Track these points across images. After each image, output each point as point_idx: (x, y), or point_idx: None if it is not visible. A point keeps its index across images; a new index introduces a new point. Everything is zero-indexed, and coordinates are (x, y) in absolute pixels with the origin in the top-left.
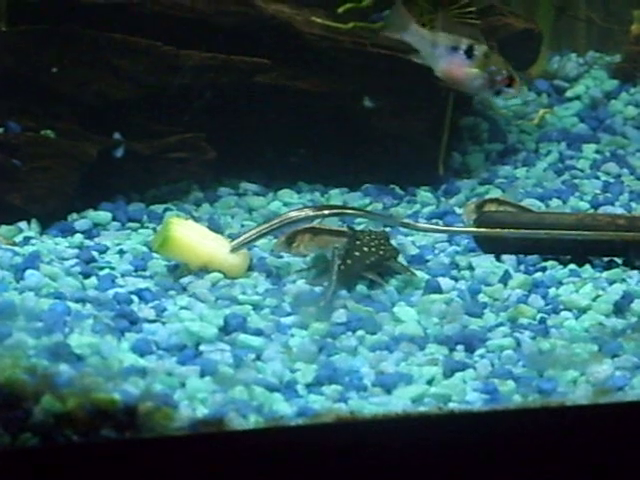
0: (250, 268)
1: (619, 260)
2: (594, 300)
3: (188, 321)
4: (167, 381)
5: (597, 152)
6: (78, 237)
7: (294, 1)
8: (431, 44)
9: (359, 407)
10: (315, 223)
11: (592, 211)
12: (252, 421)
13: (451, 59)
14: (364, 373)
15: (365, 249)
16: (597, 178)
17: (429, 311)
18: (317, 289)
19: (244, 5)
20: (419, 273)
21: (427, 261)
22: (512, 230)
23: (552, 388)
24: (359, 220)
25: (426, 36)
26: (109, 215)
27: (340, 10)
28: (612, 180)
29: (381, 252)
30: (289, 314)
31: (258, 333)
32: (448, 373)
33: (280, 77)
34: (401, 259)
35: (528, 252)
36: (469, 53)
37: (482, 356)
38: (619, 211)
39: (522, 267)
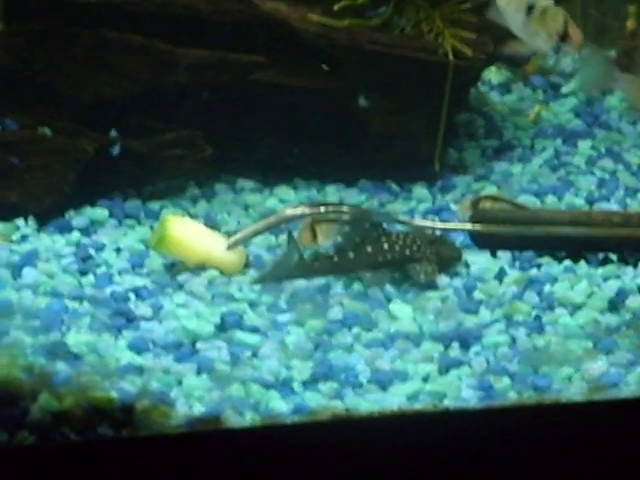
0: (247, 265)
1: (614, 257)
2: (589, 297)
3: (185, 319)
4: (164, 379)
5: (592, 148)
6: (75, 234)
7: None
8: (506, 4)
9: (355, 404)
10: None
11: (587, 207)
12: (248, 419)
13: (517, 18)
14: (360, 370)
15: (385, 246)
16: (592, 174)
17: (424, 308)
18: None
19: (241, 3)
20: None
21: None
22: (507, 226)
23: (547, 385)
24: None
25: None
26: (106, 212)
27: (336, 7)
28: (607, 176)
29: (407, 252)
30: (285, 311)
31: (254, 330)
32: (443, 370)
33: (276, 74)
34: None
35: (523, 248)
36: (529, 10)
37: (477, 353)
38: (614, 207)
39: (517, 264)
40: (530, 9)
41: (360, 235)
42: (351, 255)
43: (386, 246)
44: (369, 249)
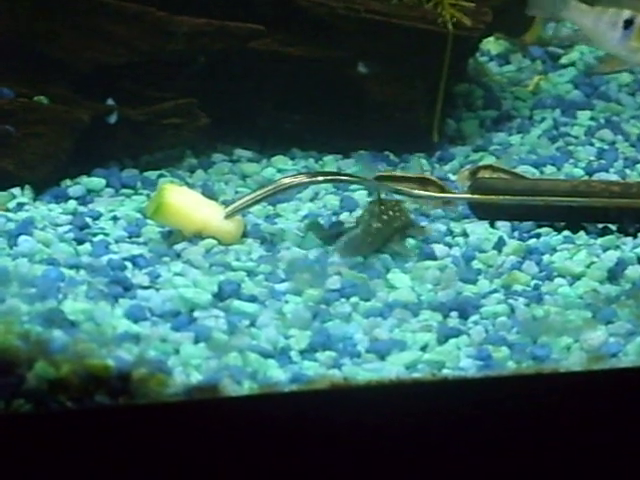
0: (244, 235)
1: (613, 227)
2: (588, 267)
3: (182, 287)
4: (161, 347)
5: (591, 119)
6: (71, 203)
7: None
8: (593, 19)
9: (353, 373)
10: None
11: (586, 178)
12: (246, 387)
13: (613, 33)
14: (358, 339)
15: (385, 217)
16: (591, 145)
17: (423, 278)
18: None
19: None
20: (413, 239)
21: (421, 227)
22: (506, 197)
23: (546, 355)
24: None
25: (588, 12)
26: (102, 181)
27: None
28: (606, 147)
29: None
30: (283, 280)
31: (252, 300)
32: (442, 339)
33: (274, 43)
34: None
35: (522, 219)
36: (627, 25)
37: (476, 323)
38: (613, 178)
39: (516, 234)
40: (628, 24)
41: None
42: (379, 225)
43: (387, 216)
44: (384, 218)
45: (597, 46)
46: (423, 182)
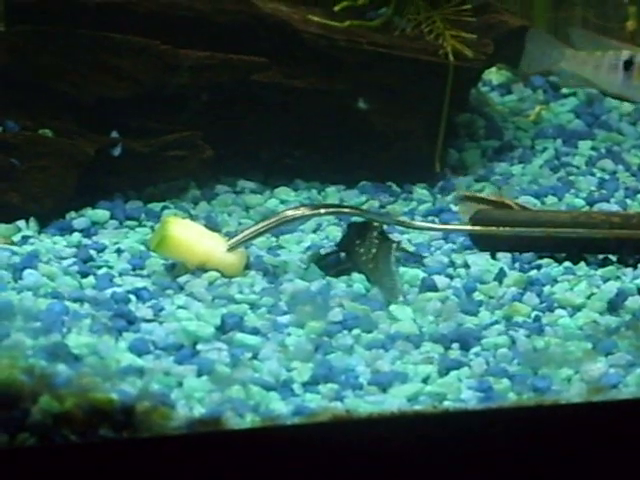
0: (247, 267)
1: (614, 258)
2: (588, 298)
3: (185, 320)
4: (164, 380)
5: (593, 149)
6: (76, 236)
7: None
8: (593, 66)
9: (355, 406)
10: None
11: (587, 208)
12: (249, 420)
13: (615, 76)
14: (360, 372)
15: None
16: (593, 175)
17: (425, 309)
18: (313, 287)
19: (241, 4)
20: (415, 271)
21: (423, 259)
22: (507, 228)
23: (546, 386)
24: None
25: (586, 59)
26: (107, 213)
27: (337, 8)
28: (607, 177)
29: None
30: (285, 313)
31: (255, 332)
32: (443, 371)
33: (277, 75)
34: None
35: (523, 250)
36: (628, 65)
37: (477, 354)
38: (614, 208)
39: (517, 265)
40: (628, 65)
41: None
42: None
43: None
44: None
45: (602, 89)
46: (502, 205)
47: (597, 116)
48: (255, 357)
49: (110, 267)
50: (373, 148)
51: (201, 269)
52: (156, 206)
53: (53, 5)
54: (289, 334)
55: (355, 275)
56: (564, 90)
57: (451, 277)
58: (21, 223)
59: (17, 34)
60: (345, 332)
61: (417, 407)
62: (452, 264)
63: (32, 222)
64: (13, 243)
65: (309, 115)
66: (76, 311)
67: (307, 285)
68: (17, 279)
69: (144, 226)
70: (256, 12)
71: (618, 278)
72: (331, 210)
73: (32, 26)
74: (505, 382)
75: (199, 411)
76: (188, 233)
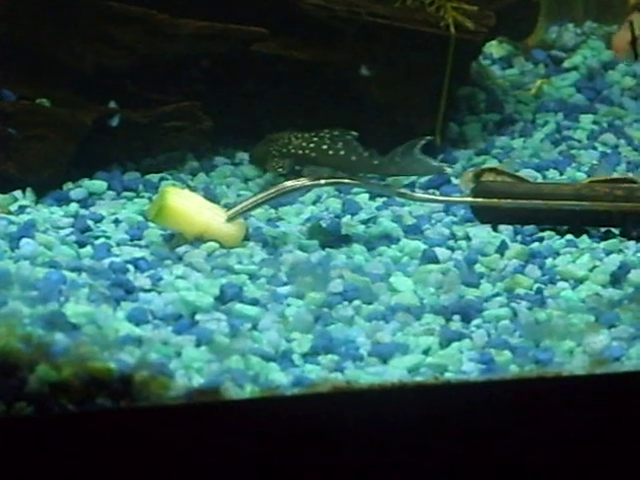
0: (246, 238)
1: (616, 231)
2: (591, 270)
3: (184, 290)
4: (163, 350)
5: (594, 123)
6: (73, 206)
7: None
8: None
9: (355, 377)
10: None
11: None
12: (248, 391)
13: None
14: (360, 343)
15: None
16: (594, 149)
17: (425, 281)
18: (313, 258)
19: None
20: (416, 243)
21: (424, 231)
22: (509, 200)
23: (548, 358)
24: None
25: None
26: (104, 184)
27: None
28: (609, 151)
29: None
30: (285, 284)
31: (254, 303)
32: (444, 343)
33: (277, 46)
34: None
35: (525, 222)
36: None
37: (478, 326)
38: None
39: (519, 237)
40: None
41: None
42: None
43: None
44: None
45: None
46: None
47: (599, 90)
48: (254, 328)
49: (108, 237)
50: (373, 120)
51: (200, 239)
52: (154, 177)
53: None
54: (289, 305)
55: (355, 246)
56: (565, 64)
57: (452, 249)
58: (18, 193)
59: (15, 2)
60: (345, 303)
61: (418, 378)
62: (453, 236)
63: (29, 192)
64: (10, 212)
65: (309, 86)
66: (74, 280)
67: (307, 256)
68: (14, 248)
69: (142, 197)
70: None
71: (621, 251)
72: (331, 181)
73: None
74: (507, 354)
75: (198, 381)
76: (187, 203)
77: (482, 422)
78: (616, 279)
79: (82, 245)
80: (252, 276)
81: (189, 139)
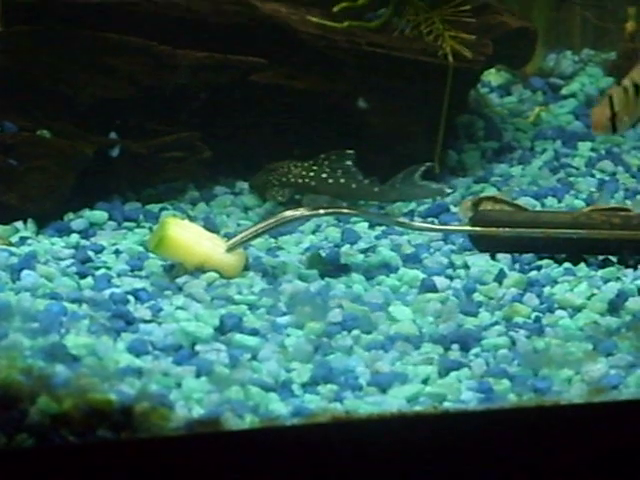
0: (246, 268)
1: (614, 259)
2: (589, 299)
3: (184, 321)
4: (163, 381)
5: (592, 150)
6: (74, 237)
7: (290, 0)
8: None
9: (354, 407)
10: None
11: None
12: (248, 421)
13: None
14: (359, 372)
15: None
16: (592, 176)
17: (424, 310)
18: (312, 288)
19: (240, 4)
20: (415, 272)
21: (423, 260)
22: (507, 229)
23: (547, 387)
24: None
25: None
26: (105, 215)
27: (335, 9)
28: (607, 178)
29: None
30: (285, 314)
31: (254, 333)
32: (443, 372)
33: (276, 76)
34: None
35: (523, 251)
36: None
37: (477, 355)
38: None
39: (517, 266)
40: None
41: None
42: None
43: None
44: None
45: None
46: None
47: None
48: (254, 358)
49: (108, 268)
50: (372, 149)
51: (200, 270)
52: (154, 207)
53: (52, 5)
54: (288, 335)
55: (354, 275)
56: (563, 91)
57: (451, 278)
58: (19, 224)
59: (15, 34)
60: (344, 333)
61: (417, 408)
62: (452, 265)
63: (30, 223)
64: (11, 244)
65: (308, 116)
66: (74, 312)
67: (306, 286)
68: (15, 280)
69: (142, 227)
70: (255, 13)
71: (618, 279)
72: (330, 211)
73: (30, 26)
74: (505, 383)
75: (198, 412)
76: (187, 234)
77: (481, 451)
78: (614, 307)
79: (83, 276)
80: (252, 306)
81: (189, 169)
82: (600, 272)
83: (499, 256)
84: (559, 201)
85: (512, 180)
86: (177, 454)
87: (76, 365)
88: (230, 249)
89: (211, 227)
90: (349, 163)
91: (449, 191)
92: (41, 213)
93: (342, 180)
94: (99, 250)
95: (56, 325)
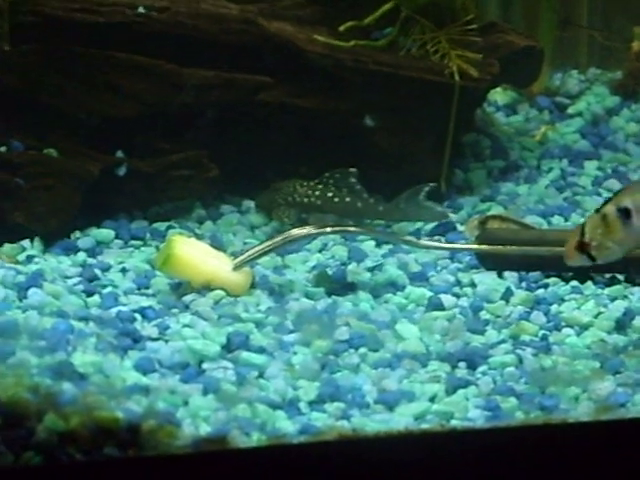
0: (253, 286)
1: (621, 277)
2: (596, 317)
3: (191, 339)
4: (170, 399)
5: (599, 169)
6: (81, 255)
7: (296, 19)
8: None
9: (361, 425)
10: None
11: None
12: (255, 439)
13: None
14: (366, 390)
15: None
16: (599, 195)
17: (431, 328)
18: (319, 306)
19: (246, 23)
20: (421, 290)
21: (429, 278)
22: (514, 247)
23: (554, 405)
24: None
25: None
26: (112, 233)
27: (342, 28)
28: None
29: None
30: (291, 332)
31: (261, 351)
32: (450, 390)
33: (282, 95)
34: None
35: (530, 269)
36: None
37: (484, 373)
38: None
39: (524, 284)
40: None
41: None
42: None
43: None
44: None
45: None
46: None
47: (603, 136)
48: (261, 376)
49: (115, 286)
50: (379, 168)
51: (206, 288)
52: (161, 225)
53: (58, 25)
54: (295, 353)
55: (361, 293)
56: (570, 110)
57: (458, 296)
58: (26, 243)
59: (22, 54)
60: (351, 351)
61: (424, 426)
62: (458, 283)
63: (37, 242)
64: (18, 262)
65: (314, 135)
66: (81, 330)
67: (313, 304)
68: (22, 298)
69: (149, 245)
70: (261, 32)
71: (625, 297)
72: (337, 229)
73: (37, 46)
74: (512, 401)
75: (205, 430)
76: (194, 252)
77: (489, 469)
78: (621, 325)
79: (90, 294)
80: (259, 324)
81: (196, 188)
82: (607, 290)
83: (506, 274)
84: (565, 220)
85: (518, 199)
86: (184, 472)
87: (83, 383)
88: (237, 267)
89: (218, 245)
90: (353, 180)
91: (452, 216)
92: (48, 231)
93: (348, 199)
94: (106, 268)
95: (63, 343)
